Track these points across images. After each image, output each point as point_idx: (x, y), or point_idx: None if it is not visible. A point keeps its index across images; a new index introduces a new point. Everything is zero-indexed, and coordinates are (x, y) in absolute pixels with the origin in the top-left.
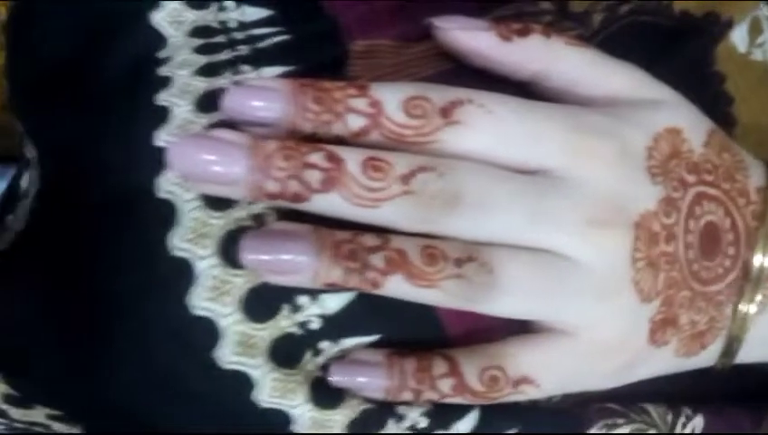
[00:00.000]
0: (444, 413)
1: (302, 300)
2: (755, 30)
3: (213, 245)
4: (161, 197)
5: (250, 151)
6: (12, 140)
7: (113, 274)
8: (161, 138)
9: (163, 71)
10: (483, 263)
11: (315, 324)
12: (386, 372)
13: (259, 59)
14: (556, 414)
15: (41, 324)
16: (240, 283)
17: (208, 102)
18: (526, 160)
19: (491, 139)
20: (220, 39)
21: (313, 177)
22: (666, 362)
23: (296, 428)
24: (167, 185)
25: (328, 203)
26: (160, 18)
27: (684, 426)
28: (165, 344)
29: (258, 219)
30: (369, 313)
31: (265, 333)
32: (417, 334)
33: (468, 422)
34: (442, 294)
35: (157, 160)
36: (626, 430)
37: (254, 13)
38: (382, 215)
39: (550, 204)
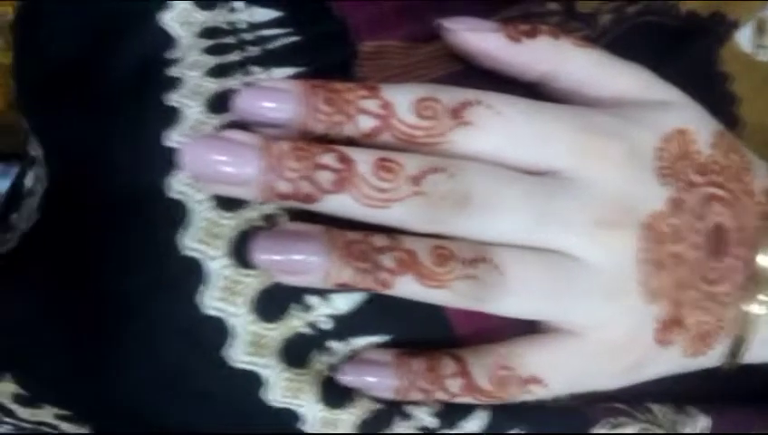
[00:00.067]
0: (452, 413)
1: (313, 300)
2: (761, 31)
3: (224, 245)
4: (172, 197)
5: (262, 152)
6: (17, 138)
7: (122, 273)
8: (172, 138)
9: (173, 71)
10: (493, 263)
11: (325, 324)
12: (395, 372)
13: (269, 60)
14: (563, 414)
15: (48, 324)
16: (251, 283)
17: (219, 103)
18: (535, 161)
19: (500, 140)
20: (230, 40)
21: (325, 177)
22: (672, 362)
23: (306, 427)
24: (178, 185)
25: (339, 204)
26: (169, 19)
27: (689, 426)
28: (174, 344)
29: (270, 220)
30: (378, 313)
31: (276, 332)
32: (426, 334)
33: (476, 422)
34: (452, 294)
35: (167, 161)
36: (631, 429)
37: (263, 14)
38: (393, 215)
39: (558, 205)
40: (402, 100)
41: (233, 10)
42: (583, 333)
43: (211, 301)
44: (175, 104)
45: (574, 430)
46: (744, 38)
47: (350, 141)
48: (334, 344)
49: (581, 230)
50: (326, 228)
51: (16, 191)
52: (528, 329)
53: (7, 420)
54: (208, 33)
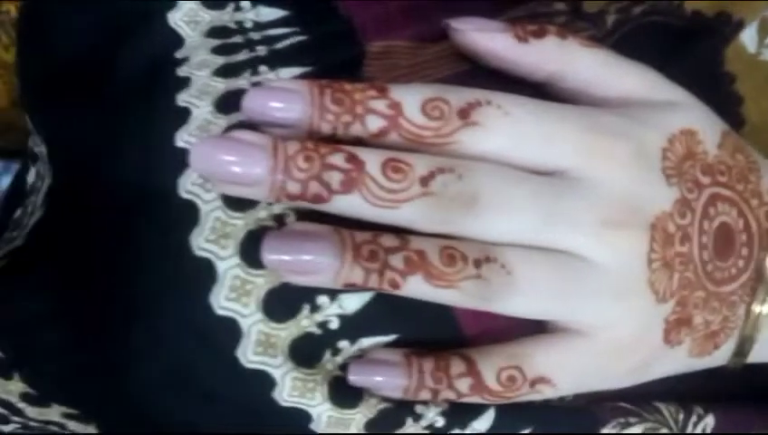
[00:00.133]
0: (460, 413)
1: (322, 300)
2: (765, 30)
3: (234, 245)
4: (183, 197)
5: (271, 152)
6: (19, 136)
7: (134, 273)
8: (182, 138)
9: (181, 71)
10: (501, 264)
11: (334, 324)
12: (404, 372)
13: (276, 60)
14: (570, 413)
15: (56, 323)
16: (261, 283)
17: (227, 103)
18: (543, 161)
19: (508, 140)
20: (237, 39)
21: (334, 178)
22: (679, 361)
23: (317, 427)
24: (188, 185)
25: (348, 204)
26: (178, 18)
27: (695, 425)
28: (186, 344)
29: (279, 220)
30: (387, 313)
31: (286, 332)
32: (434, 334)
33: (484, 422)
34: (460, 294)
35: (178, 161)
36: (638, 428)
37: (269, 13)
38: (402, 216)
39: (566, 205)
40: (410, 100)
41: (239, 9)
42: (591, 333)
43: (223, 301)
44: (184, 104)
45: (584, 430)
46: (748, 38)
47: (359, 141)
48: (343, 344)
49: (589, 230)
50: (335, 229)
51: (19, 188)
52: (536, 329)
53: (15, 418)
54: (215, 32)
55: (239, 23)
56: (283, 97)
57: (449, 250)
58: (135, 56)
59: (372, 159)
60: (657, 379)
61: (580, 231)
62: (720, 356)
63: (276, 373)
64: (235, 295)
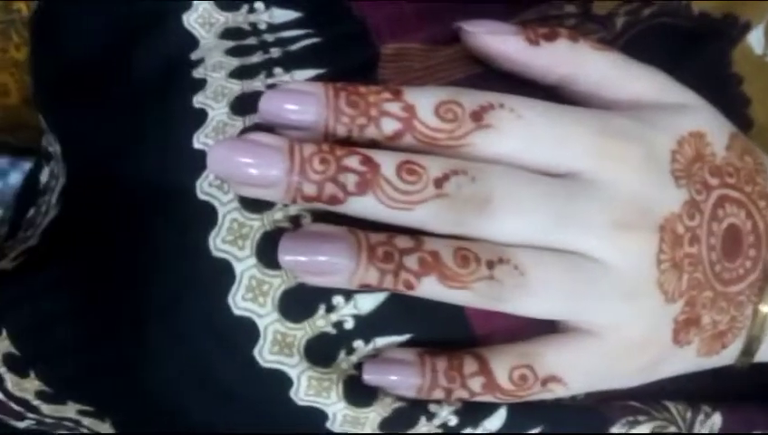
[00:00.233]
0: (473, 412)
1: (337, 300)
2: None
3: (251, 246)
4: (201, 198)
5: (287, 155)
6: (29, 133)
7: (151, 273)
8: (199, 140)
9: (197, 73)
10: (514, 265)
11: (349, 324)
12: (418, 371)
13: (291, 62)
14: (581, 413)
15: (73, 322)
16: (277, 283)
17: (243, 105)
18: (555, 163)
19: (520, 142)
20: (251, 41)
21: (349, 180)
22: (688, 360)
23: (332, 425)
24: (206, 187)
25: (363, 205)
26: (192, 20)
27: (702, 423)
28: (205, 344)
29: (295, 221)
30: (400, 313)
31: (302, 332)
32: (446, 334)
33: (496, 420)
34: (473, 295)
35: (195, 162)
36: (647, 427)
37: (283, 15)
38: (416, 217)
39: (577, 206)
40: (424, 103)
41: (253, 11)
42: (602, 333)
43: (240, 301)
44: (200, 106)
45: (594, 429)
46: (755, 40)
47: (373, 144)
48: (358, 344)
49: (600, 232)
50: (350, 230)
51: (32, 186)
52: (547, 329)
53: (30, 415)
54: (230, 34)
55: (253, 24)
56: (299, 99)
57: (463, 251)
58: (150, 57)
59: (387, 162)
60: (668, 378)
61: (592, 233)
62: (728, 355)
63: (293, 373)
64: (251, 296)
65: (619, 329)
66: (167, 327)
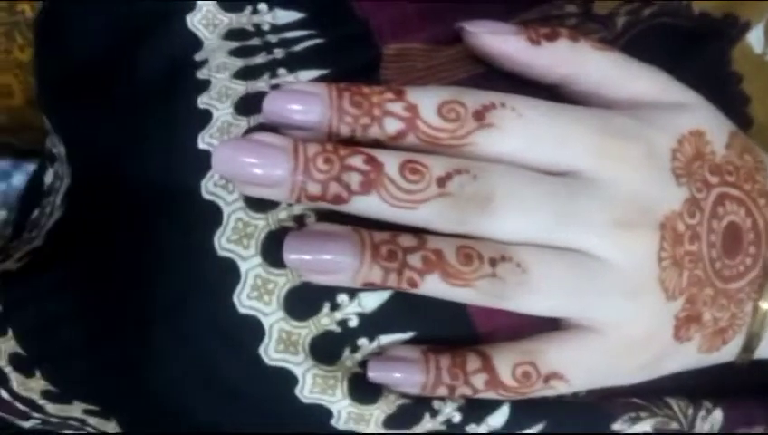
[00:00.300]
0: (476, 408)
1: (342, 298)
2: None
3: (256, 245)
4: (206, 198)
5: (291, 154)
6: (33, 135)
7: (156, 273)
8: (204, 140)
9: (201, 74)
10: (516, 263)
11: (354, 322)
12: (422, 368)
13: (294, 62)
14: (582, 408)
15: (78, 321)
16: (282, 282)
17: (247, 105)
18: (556, 162)
19: (522, 141)
20: (255, 42)
21: (353, 179)
22: (689, 357)
23: (336, 422)
24: (211, 186)
25: (367, 205)
26: (196, 21)
27: (704, 419)
28: (211, 343)
29: (299, 220)
30: (404, 311)
31: (306, 330)
32: (449, 332)
33: (499, 417)
34: (476, 292)
35: (200, 163)
36: (648, 423)
37: (286, 16)
38: (419, 216)
39: (579, 205)
40: (427, 102)
41: (256, 12)
42: (604, 331)
43: (245, 300)
44: (204, 106)
45: (596, 425)
46: (754, 39)
47: (376, 143)
48: (362, 342)
49: (601, 230)
50: (354, 229)
51: (36, 188)
52: (549, 327)
53: (36, 415)
54: (233, 35)
55: (256, 25)
56: (303, 100)
57: (466, 250)
58: (154, 58)
59: (390, 161)
60: (668, 375)
61: (593, 231)
62: (728, 352)
63: (298, 370)
64: (257, 294)
65: (621, 326)
66: (171, 328)
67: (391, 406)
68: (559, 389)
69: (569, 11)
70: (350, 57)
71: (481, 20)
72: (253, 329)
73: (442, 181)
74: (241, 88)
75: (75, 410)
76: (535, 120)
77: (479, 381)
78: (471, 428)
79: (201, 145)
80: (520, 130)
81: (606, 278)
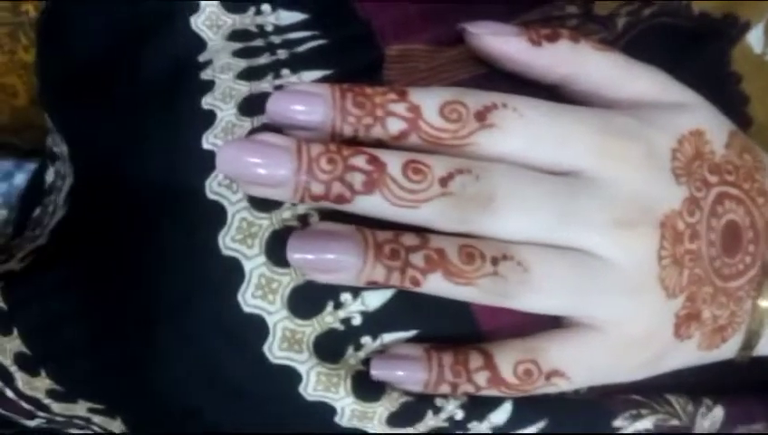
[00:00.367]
0: (479, 405)
1: (345, 297)
2: None
3: (260, 244)
4: (210, 198)
5: (295, 154)
6: (37, 135)
7: (159, 273)
8: (208, 141)
9: (205, 74)
10: (518, 261)
11: (357, 320)
12: (424, 366)
13: (298, 63)
14: (583, 405)
15: (80, 321)
16: (286, 281)
17: (251, 106)
18: (557, 162)
19: (523, 141)
20: (258, 43)
21: (356, 179)
22: (689, 355)
23: (340, 420)
24: (215, 186)
25: (370, 204)
26: (200, 22)
27: (704, 416)
28: (215, 343)
29: (303, 220)
30: (407, 309)
31: (310, 328)
32: (452, 330)
33: (502, 414)
34: (478, 291)
35: (205, 163)
36: (649, 420)
37: (289, 17)
38: (422, 215)
39: (580, 204)
40: (429, 103)
41: (260, 13)
42: (605, 328)
43: (250, 299)
44: (208, 107)
45: (597, 422)
46: (754, 39)
47: (379, 143)
48: (365, 340)
49: (602, 230)
50: (358, 228)
51: (37, 186)
52: (551, 324)
53: (41, 413)
54: (237, 36)
55: (260, 26)
56: (306, 100)
57: (468, 248)
58: (158, 58)
59: (393, 161)
60: (669, 372)
61: (594, 230)
62: (728, 350)
63: (302, 368)
64: (261, 293)
65: (622, 324)
66: (176, 328)
67: (394, 403)
68: (560, 386)
69: (569, 12)
70: (352, 58)
71: (482, 21)
72: (257, 328)
73: (444, 181)
74: (245, 89)
75: (80, 408)
76: (536, 121)
77: (481, 378)
78: (473, 425)
79: (205, 145)
80: (521, 131)
81: (607, 277)
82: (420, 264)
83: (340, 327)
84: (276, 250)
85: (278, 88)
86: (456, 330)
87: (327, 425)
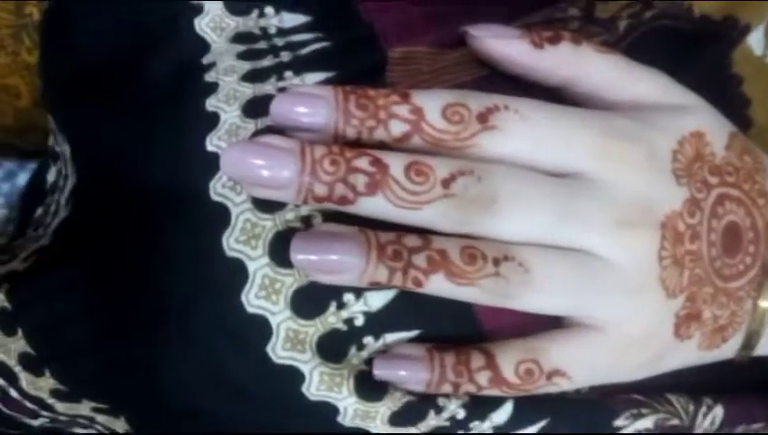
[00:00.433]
0: (480, 405)
1: (348, 297)
2: None
3: (263, 245)
4: (214, 200)
5: (298, 156)
6: (40, 136)
7: (163, 274)
8: (212, 143)
9: (209, 77)
10: (519, 262)
11: (359, 321)
12: (427, 366)
13: (301, 65)
14: (584, 405)
15: (84, 321)
16: (290, 282)
17: (255, 108)
18: (559, 164)
19: (525, 143)
20: (262, 45)
21: (359, 180)
22: (689, 354)
23: (343, 419)
24: (219, 188)
25: (373, 205)
26: (204, 24)
27: (705, 416)
28: (219, 343)
29: (306, 221)
30: (409, 309)
31: (313, 329)
32: (454, 330)
33: (503, 413)
34: (480, 291)
35: (209, 165)
36: (650, 419)
37: (292, 19)
38: (424, 216)
39: (581, 205)
40: (432, 105)
41: (263, 15)
42: (605, 328)
43: (253, 299)
44: (213, 109)
45: (598, 422)
46: (755, 41)
47: (382, 145)
48: (368, 340)
49: (603, 230)
50: (360, 229)
51: (38, 186)
52: (552, 324)
53: (44, 413)
54: (240, 38)
55: (263, 29)
56: (310, 102)
57: (470, 249)
58: (162, 61)
59: (396, 163)
60: (670, 372)
61: (595, 231)
62: (728, 349)
63: (305, 368)
64: (264, 294)
65: (622, 324)
66: (180, 329)
67: (397, 403)
68: (561, 386)
69: (571, 14)
70: (355, 60)
71: (485, 24)
72: (260, 328)
73: (446, 183)
74: (248, 91)
75: (84, 408)
76: (538, 123)
77: (483, 378)
78: (475, 424)
79: (209, 147)
80: (523, 133)
81: (607, 277)
82: (422, 264)
83: (343, 327)
84: (280, 251)
85: (281, 90)
86: (457, 330)
87: (330, 425)
